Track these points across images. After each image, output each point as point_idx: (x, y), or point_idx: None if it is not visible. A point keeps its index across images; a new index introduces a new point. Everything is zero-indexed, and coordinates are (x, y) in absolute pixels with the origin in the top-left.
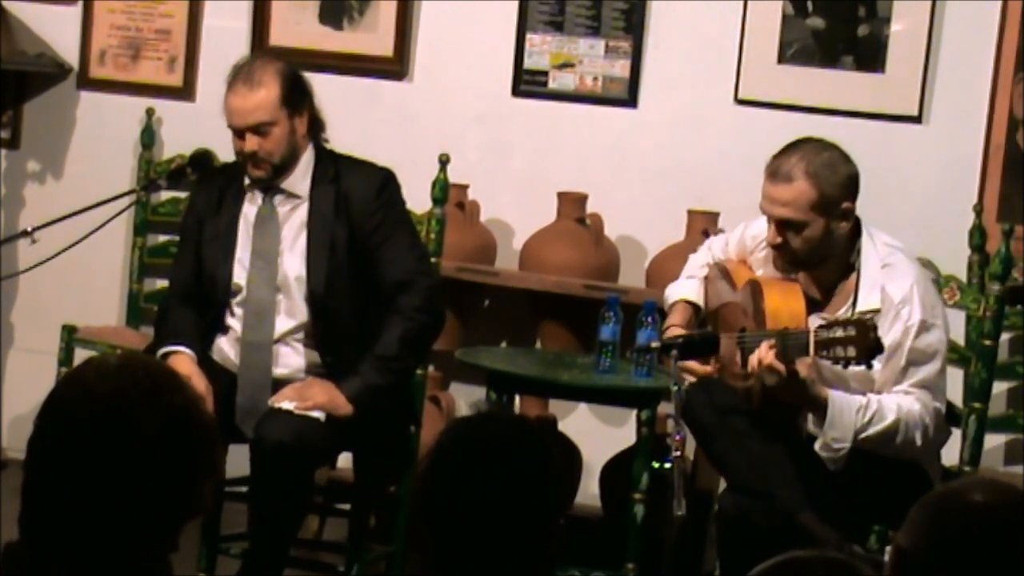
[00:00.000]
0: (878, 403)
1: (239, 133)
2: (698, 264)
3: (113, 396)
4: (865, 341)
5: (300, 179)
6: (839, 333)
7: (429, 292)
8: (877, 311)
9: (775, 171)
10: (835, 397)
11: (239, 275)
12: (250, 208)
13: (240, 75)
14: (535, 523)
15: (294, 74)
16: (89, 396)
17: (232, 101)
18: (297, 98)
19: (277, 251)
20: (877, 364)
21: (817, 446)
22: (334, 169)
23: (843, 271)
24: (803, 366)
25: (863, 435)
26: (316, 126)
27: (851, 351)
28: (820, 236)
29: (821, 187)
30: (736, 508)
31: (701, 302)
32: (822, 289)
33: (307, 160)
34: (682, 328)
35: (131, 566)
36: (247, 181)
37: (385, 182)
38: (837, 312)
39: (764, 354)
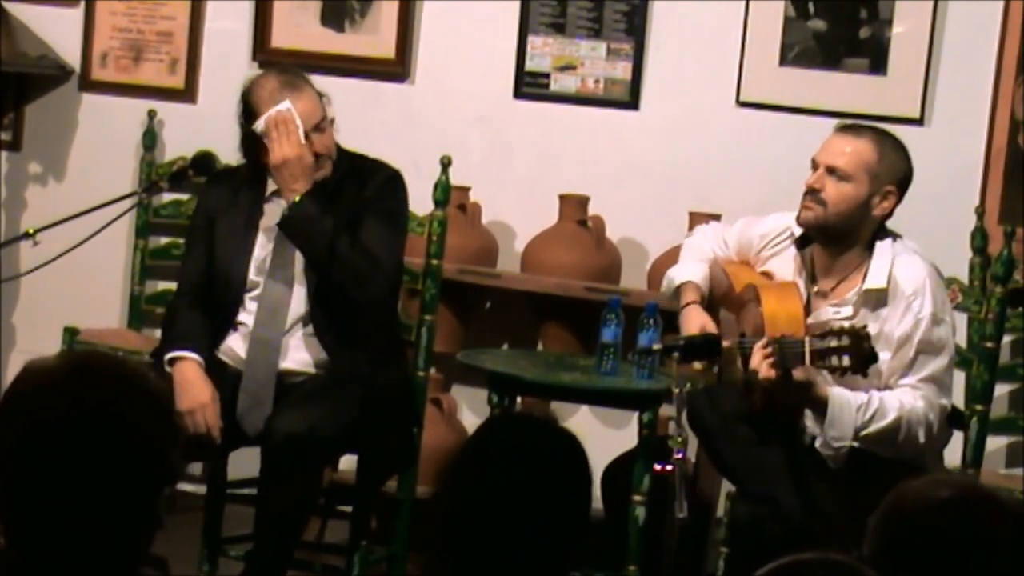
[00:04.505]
0: (880, 401)
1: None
2: (700, 249)
3: (63, 406)
4: (860, 351)
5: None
6: (833, 343)
7: (374, 286)
8: (882, 291)
9: (847, 127)
10: (835, 395)
11: (255, 273)
12: (271, 210)
13: (276, 87)
14: (563, 529)
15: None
16: (36, 414)
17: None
18: (323, 97)
19: (296, 253)
20: (884, 355)
21: (818, 444)
22: (348, 165)
23: (857, 261)
24: (799, 372)
25: (864, 433)
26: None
27: (845, 360)
28: (856, 200)
29: (882, 155)
30: (749, 516)
31: (706, 287)
32: (833, 272)
33: None
34: (699, 305)
35: (114, 548)
36: (271, 188)
37: (391, 178)
38: (844, 296)
39: (758, 363)
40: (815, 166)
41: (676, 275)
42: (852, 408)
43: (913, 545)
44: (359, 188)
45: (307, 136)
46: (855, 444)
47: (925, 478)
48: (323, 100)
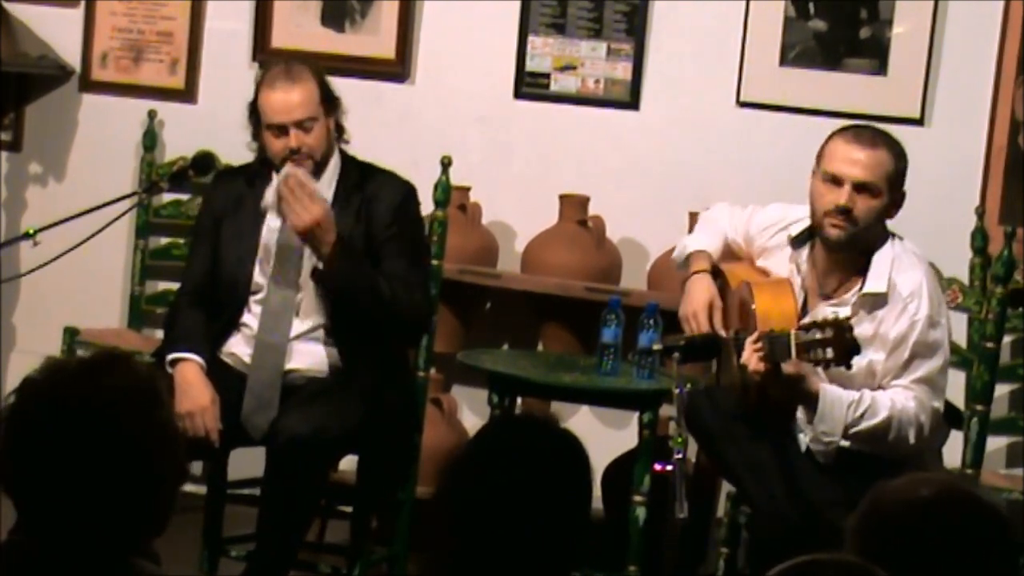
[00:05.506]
0: (871, 399)
1: (281, 130)
2: (716, 222)
3: (67, 407)
4: (842, 343)
5: (327, 184)
6: (817, 335)
7: (407, 320)
8: (882, 295)
9: (858, 135)
10: (826, 391)
11: (259, 275)
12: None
13: (278, 73)
14: (563, 529)
15: (325, 76)
16: (43, 414)
17: (275, 97)
18: (330, 98)
19: (301, 254)
20: (878, 356)
21: (808, 439)
22: (358, 175)
23: (859, 263)
24: (788, 366)
25: (854, 430)
26: (339, 132)
27: (829, 352)
28: (879, 211)
29: (897, 162)
30: (749, 517)
31: (718, 260)
32: (834, 273)
33: (334, 165)
34: (708, 272)
35: (112, 539)
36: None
37: (407, 195)
38: (843, 297)
39: (747, 357)
40: (837, 181)
41: (690, 243)
42: (843, 404)
43: (893, 545)
44: (373, 203)
45: (284, 130)
46: (844, 443)
47: (904, 477)
48: (337, 110)
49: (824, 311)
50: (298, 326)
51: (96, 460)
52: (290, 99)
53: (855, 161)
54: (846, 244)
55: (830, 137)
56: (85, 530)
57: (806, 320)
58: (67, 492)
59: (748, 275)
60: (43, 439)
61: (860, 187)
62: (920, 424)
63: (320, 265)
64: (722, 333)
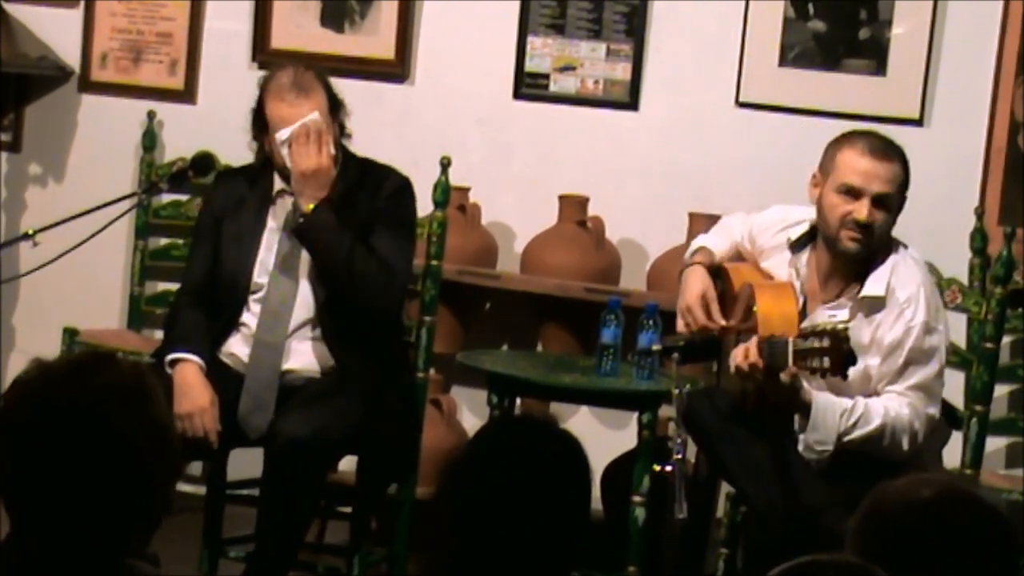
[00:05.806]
0: (864, 407)
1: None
2: (730, 228)
3: (56, 407)
4: (839, 353)
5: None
6: (815, 344)
7: (388, 297)
8: (879, 299)
9: (872, 148)
10: (819, 400)
11: (260, 275)
12: (277, 212)
13: (287, 84)
14: (563, 529)
15: (329, 80)
16: (32, 415)
17: (286, 110)
18: (336, 103)
19: (300, 256)
20: (874, 360)
21: (800, 448)
22: (359, 172)
23: (859, 267)
24: (784, 375)
25: (847, 438)
26: (343, 132)
27: (825, 362)
28: (893, 221)
29: (907, 172)
30: (748, 517)
31: (720, 259)
32: (835, 278)
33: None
34: (704, 267)
35: (106, 540)
36: (276, 187)
37: (402, 186)
38: (841, 300)
39: (742, 359)
40: (854, 193)
41: (696, 243)
42: (835, 413)
43: (894, 545)
44: (371, 195)
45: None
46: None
47: (906, 478)
48: (341, 112)
49: (823, 315)
50: (297, 318)
51: (86, 459)
52: (301, 113)
53: (874, 175)
54: (860, 254)
55: (839, 146)
56: (78, 530)
57: (805, 324)
58: (58, 492)
59: (752, 276)
60: (32, 440)
61: (878, 200)
62: (914, 431)
63: (302, 220)
64: (721, 322)
